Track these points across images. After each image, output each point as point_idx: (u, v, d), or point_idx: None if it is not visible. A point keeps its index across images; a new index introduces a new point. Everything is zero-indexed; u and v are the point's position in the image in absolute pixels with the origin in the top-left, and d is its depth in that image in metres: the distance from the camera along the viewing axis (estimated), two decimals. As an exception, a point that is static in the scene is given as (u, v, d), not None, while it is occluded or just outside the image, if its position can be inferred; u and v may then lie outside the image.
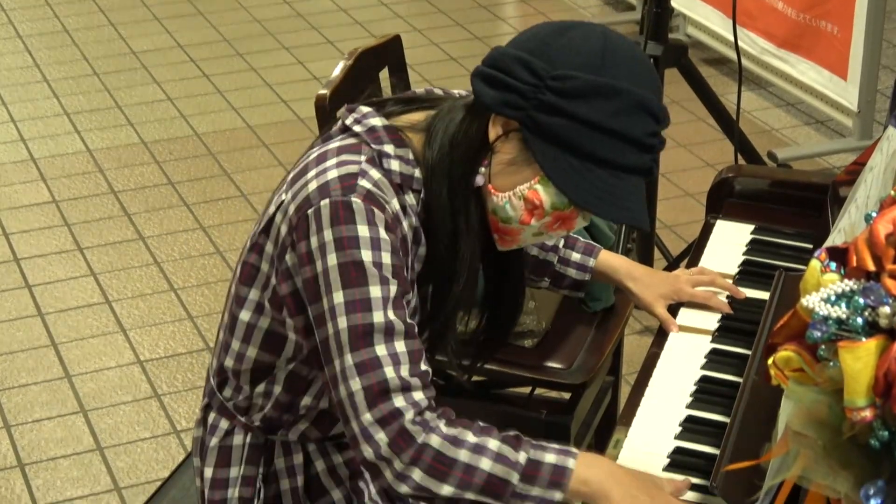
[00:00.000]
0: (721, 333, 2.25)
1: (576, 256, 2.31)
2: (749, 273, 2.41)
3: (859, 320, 1.19)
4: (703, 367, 2.17)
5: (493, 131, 1.85)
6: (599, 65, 1.80)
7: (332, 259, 1.80)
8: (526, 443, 1.82)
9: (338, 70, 2.65)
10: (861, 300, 1.19)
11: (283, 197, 1.90)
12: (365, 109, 1.94)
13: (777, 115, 5.17)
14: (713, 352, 2.20)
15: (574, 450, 1.83)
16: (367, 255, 1.80)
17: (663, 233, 4.19)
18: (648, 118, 1.83)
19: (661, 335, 2.27)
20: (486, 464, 1.79)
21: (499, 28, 5.94)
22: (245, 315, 1.99)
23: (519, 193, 1.86)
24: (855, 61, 4.62)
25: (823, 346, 1.22)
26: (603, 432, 2.88)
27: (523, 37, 1.87)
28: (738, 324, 2.26)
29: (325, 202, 1.82)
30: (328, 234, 1.81)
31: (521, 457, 1.80)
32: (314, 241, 1.82)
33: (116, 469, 3.40)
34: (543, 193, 1.85)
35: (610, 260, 2.34)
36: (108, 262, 4.26)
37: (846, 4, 4.59)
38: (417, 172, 1.89)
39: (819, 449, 1.21)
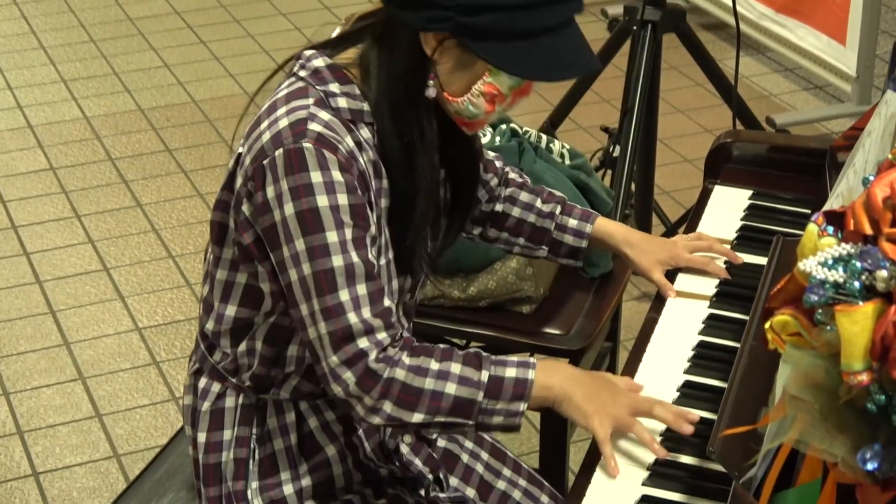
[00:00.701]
0: (719, 299, 2.24)
1: (572, 223, 2.30)
2: (747, 238, 2.40)
3: (856, 284, 1.19)
4: (701, 333, 2.17)
5: (428, 46, 1.86)
6: None
7: (290, 208, 1.84)
8: (486, 360, 1.91)
9: (335, 35, 2.63)
10: (858, 264, 1.19)
11: (241, 150, 1.94)
12: (308, 53, 1.95)
13: (776, 80, 5.16)
14: (711, 317, 2.20)
15: (533, 360, 1.94)
16: (322, 201, 1.83)
17: (661, 199, 4.18)
18: None
19: (658, 301, 2.27)
20: (451, 388, 1.88)
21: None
22: (221, 274, 2.01)
23: (476, 92, 1.90)
24: (853, 26, 4.60)
25: (821, 311, 1.22)
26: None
27: None
28: (736, 289, 2.25)
29: (279, 152, 1.84)
30: (284, 184, 1.84)
31: (484, 375, 1.89)
32: (270, 191, 1.85)
33: (115, 436, 3.41)
34: (498, 82, 1.89)
35: (606, 226, 2.33)
36: (105, 230, 4.26)
37: (845, -31, 4.58)
38: (366, 106, 1.91)
39: (816, 413, 1.21)
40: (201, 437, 2.08)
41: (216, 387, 2.08)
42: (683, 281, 2.30)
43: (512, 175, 2.33)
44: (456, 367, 1.90)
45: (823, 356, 1.22)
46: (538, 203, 2.30)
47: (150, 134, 4.84)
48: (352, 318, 1.85)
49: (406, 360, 1.89)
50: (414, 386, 1.88)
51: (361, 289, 1.86)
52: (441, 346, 1.95)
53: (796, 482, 1.40)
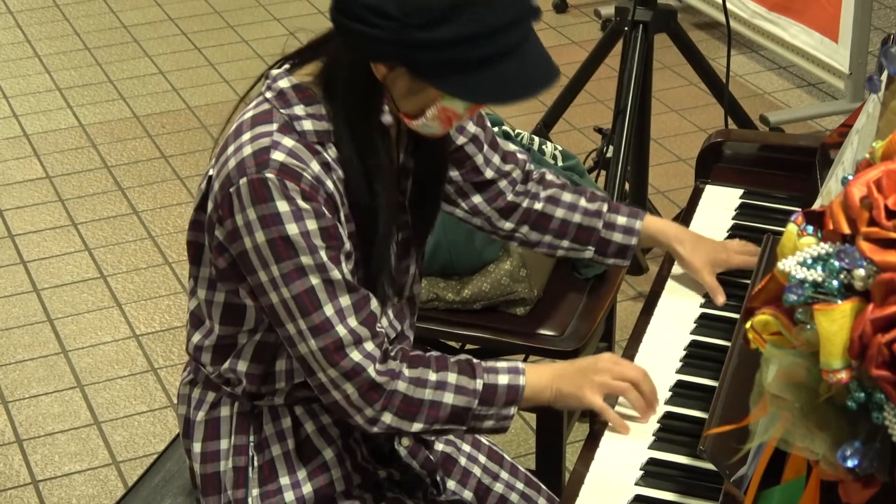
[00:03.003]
0: (710, 298, 2.25)
1: (621, 220, 2.27)
2: (738, 237, 2.41)
3: (835, 283, 1.20)
4: (693, 332, 2.18)
5: (379, 72, 1.84)
6: None
7: (260, 236, 1.84)
8: (479, 367, 1.97)
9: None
10: (836, 263, 1.20)
11: (211, 172, 1.94)
12: (274, 72, 1.95)
13: (769, 78, 5.17)
14: (703, 316, 2.21)
15: (521, 365, 2.00)
16: (291, 229, 1.83)
17: (655, 198, 4.19)
18: None
19: (651, 301, 2.28)
20: (448, 397, 1.95)
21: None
22: (201, 293, 2.02)
23: (430, 115, 1.88)
24: (846, 23, 4.61)
25: (800, 310, 1.23)
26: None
27: None
28: (727, 288, 2.26)
29: (243, 181, 1.84)
30: (251, 213, 1.84)
31: (479, 384, 1.96)
32: (239, 219, 1.86)
33: (114, 443, 3.42)
34: (453, 105, 1.87)
35: (657, 223, 2.31)
36: (102, 237, 4.27)
37: (836, -34, 4.59)
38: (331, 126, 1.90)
39: (797, 411, 1.22)
40: (197, 447, 2.09)
41: (210, 396, 2.08)
42: (676, 280, 2.30)
43: (550, 176, 2.30)
44: (452, 377, 1.95)
45: (804, 355, 1.23)
46: (583, 202, 2.27)
47: (146, 141, 4.85)
48: (340, 330, 1.87)
49: (406, 372, 1.93)
50: (415, 397, 1.93)
51: (345, 300, 1.88)
52: (434, 353, 1.99)
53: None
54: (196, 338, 2.06)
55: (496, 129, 2.82)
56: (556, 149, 2.92)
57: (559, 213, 2.27)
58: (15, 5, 5.98)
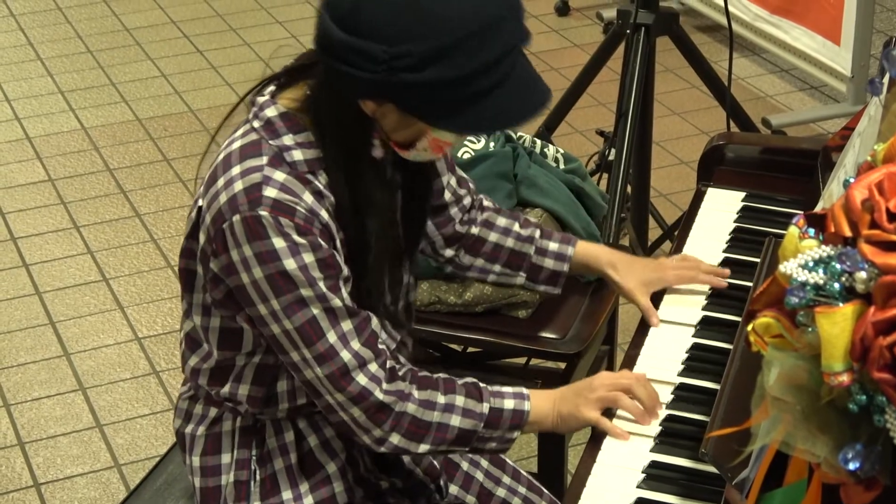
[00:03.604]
0: (712, 301, 2.25)
1: (553, 246, 2.26)
2: (740, 240, 2.41)
3: (836, 285, 1.20)
4: (695, 335, 2.17)
5: (367, 108, 1.83)
6: (428, 23, 1.73)
7: (258, 272, 1.83)
8: (486, 391, 1.99)
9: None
10: (838, 265, 1.20)
11: (201, 203, 1.91)
12: (261, 100, 1.91)
13: (771, 81, 5.17)
14: (704, 319, 2.21)
15: (526, 391, 2.01)
16: (289, 264, 1.83)
17: (658, 201, 4.19)
18: (495, 32, 1.77)
19: (653, 304, 2.27)
20: (455, 420, 1.96)
21: None
22: (197, 319, 2.01)
23: (422, 146, 1.87)
24: (848, 26, 4.61)
25: (802, 312, 1.23)
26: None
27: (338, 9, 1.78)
28: (729, 291, 2.26)
29: (236, 217, 1.83)
30: (247, 250, 1.83)
31: (485, 407, 1.97)
32: (235, 255, 1.84)
33: (116, 446, 3.42)
34: (443, 136, 1.86)
35: (588, 248, 2.29)
36: (104, 240, 4.27)
37: (838, -31, 4.59)
38: (321, 152, 1.88)
39: (798, 414, 1.22)
40: (196, 461, 2.08)
41: (213, 411, 2.07)
42: (669, 304, 2.29)
43: (487, 202, 2.29)
44: (460, 400, 1.97)
45: (805, 357, 1.23)
46: (516, 227, 2.26)
47: (148, 144, 4.86)
48: (344, 356, 1.88)
49: (416, 394, 1.94)
50: (423, 420, 1.94)
51: (346, 325, 1.88)
52: (442, 375, 2.00)
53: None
54: (193, 361, 2.04)
55: (497, 132, 2.82)
56: (557, 152, 2.92)
57: (493, 237, 2.26)
58: (17, 8, 5.99)
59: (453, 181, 2.22)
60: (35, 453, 3.40)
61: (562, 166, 2.89)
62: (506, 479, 2.25)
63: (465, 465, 2.23)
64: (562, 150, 2.93)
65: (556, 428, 2.03)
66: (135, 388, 3.61)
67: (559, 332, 2.64)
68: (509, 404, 1.99)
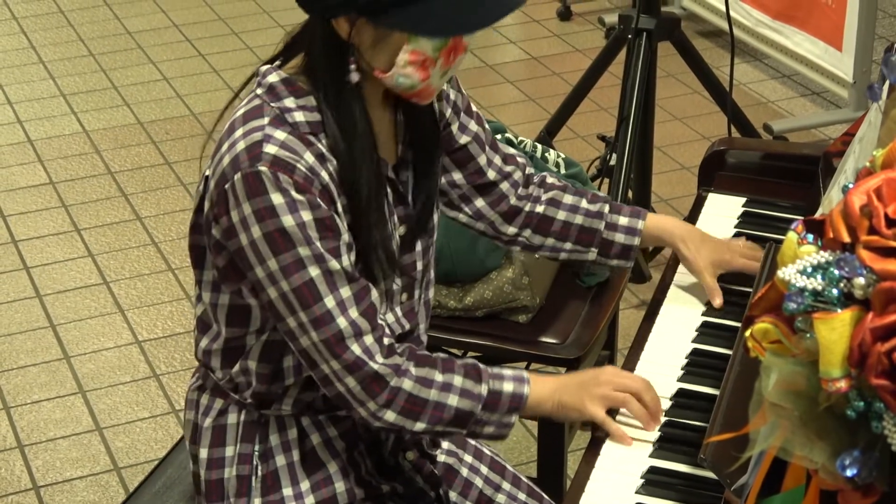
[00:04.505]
0: (712, 306, 2.25)
1: (623, 220, 2.26)
2: (741, 245, 2.41)
3: (834, 291, 1.19)
4: (695, 340, 2.17)
5: (342, 30, 1.85)
6: None
7: (256, 231, 1.85)
8: (485, 373, 1.98)
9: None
10: (836, 271, 1.20)
11: (207, 173, 1.95)
12: (263, 69, 1.96)
13: (773, 86, 5.17)
14: (704, 324, 2.21)
15: (526, 375, 2.01)
16: (287, 221, 1.84)
17: (659, 206, 4.19)
18: None
19: (653, 309, 2.28)
20: (453, 399, 1.95)
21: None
22: (206, 297, 2.02)
23: (402, 62, 1.86)
24: (850, 32, 4.61)
25: (800, 318, 1.23)
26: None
27: None
28: (729, 296, 2.26)
29: (237, 176, 1.85)
30: (246, 208, 1.84)
31: (483, 389, 1.97)
32: (234, 215, 1.86)
33: (115, 449, 3.41)
34: (420, 47, 1.85)
35: (659, 221, 2.30)
36: (105, 243, 4.27)
37: (840, -25, 4.59)
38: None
39: (796, 420, 1.22)
40: (203, 453, 2.09)
41: (218, 403, 2.08)
42: (678, 288, 2.30)
43: (551, 179, 2.29)
44: (458, 380, 1.96)
45: (803, 363, 1.23)
46: (584, 203, 2.26)
47: (150, 147, 4.86)
48: (341, 322, 1.88)
49: (413, 370, 1.94)
50: (420, 397, 1.94)
51: (345, 291, 1.88)
52: (441, 355, 2.00)
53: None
54: (204, 342, 2.05)
55: (498, 136, 2.82)
56: (559, 156, 2.92)
57: (561, 215, 2.26)
58: (20, 11, 5.99)
59: (497, 159, 2.22)
60: (35, 456, 3.40)
61: (563, 171, 2.89)
62: (505, 486, 2.24)
63: (464, 472, 2.22)
64: (563, 155, 2.93)
65: (554, 414, 2.02)
66: (134, 392, 3.61)
67: (559, 336, 2.64)
68: (508, 387, 1.98)
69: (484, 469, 2.24)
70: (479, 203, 2.22)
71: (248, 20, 5.87)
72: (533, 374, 2.02)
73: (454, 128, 2.14)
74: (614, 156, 3.64)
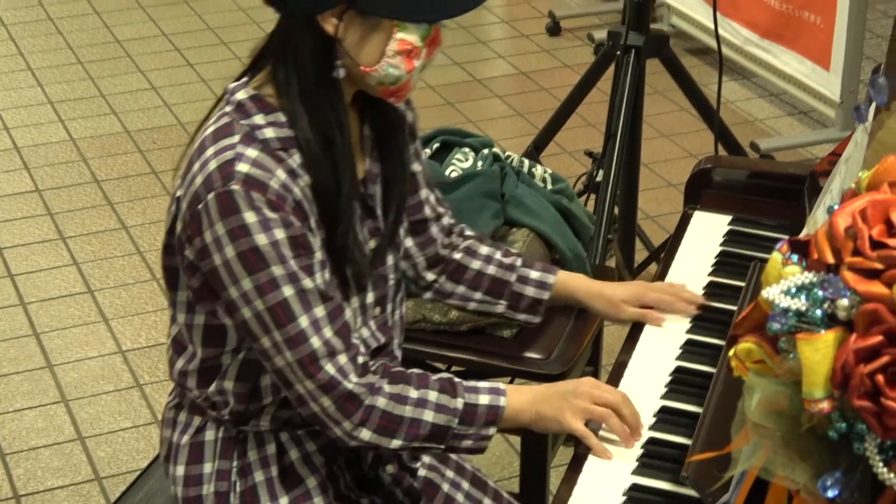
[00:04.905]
0: (696, 324, 2.25)
1: (534, 275, 2.27)
2: (726, 264, 2.41)
3: (818, 312, 1.20)
4: (679, 358, 2.17)
5: (329, 26, 1.85)
6: None
7: (230, 251, 1.84)
8: (460, 386, 1.98)
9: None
10: (820, 292, 1.20)
11: (178, 193, 1.93)
12: (231, 86, 1.95)
13: (760, 105, 5.18)
14: (688, 342, 2.21)
15: (502, 386, 2.01)
16: (261, 239, 1.83)
17: (645, 223, 4.20)
18: None
19: (637, 326, 2.28)
20: (428, 415, 1.95)
21: (484, 17, 5.94)
22: (180, 318, 2.02)
23: (391, 52, 1.87)
24: (838, 52, 4.63)
25: (784, 338, 1.23)
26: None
27: None
28: (714, 314, 2.26)
29: (210, 196, 1.84)
30: (219, 228, 1.84)
31: (459, 403, 1.96)
32: (208, 235, 1.85)
33: (97, 459, 3.40)
34: (409, 35, 1.87)
35: (569, 279, 2.31)
36: (90, 252, 4.26)
37: (829, -5, 4.60)
38: (293, 131, 1.90)
39: (778, 440, 1.22)
40: (180, 471, 2.08)
41: (196, 420, 2.07)
42: (654, 327, 2.29)
43: (468, 231, 2.31)
44: (433, 395, 1.96)
45: (786, 383, 1.23)
46: (498, 255, 2.28)
47: (137, 156, 4.85)
48: (315, 342, 1.88)
49: (387, 388, 1.93)
50: (394, 414, 1.93)
51: (320, 310, 1.88)
52: (415, 371, 2.00)
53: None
54: (180, 363, 2.05)
55: (486, 151, 2.82)
56: (545, 172, 2.92)
57: (475, 264, 2.27)
58: (8, 18, 5.98)
59: (432, 197, 2.23)
60: (16, 465, 3.39)
61: (549, 186, 2.89)
62: (487, 502, 2.24)
63: (445, 487, 2.22)
64: (550, 170, 2.93)
65: (532, 425, 2.02)
66: (117, 401, 3.60)
67: (543, 352, 2.64)
68: (484, 399, 1.98)
69: (465, 484, 2.24)
70: (409, 243, 2.23)
71: (237, 30, 5.87)
72: (510, 385, 2.02)
73: (410, 151, 2.15)
74: (601, 172, 3.64)
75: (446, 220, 2.26)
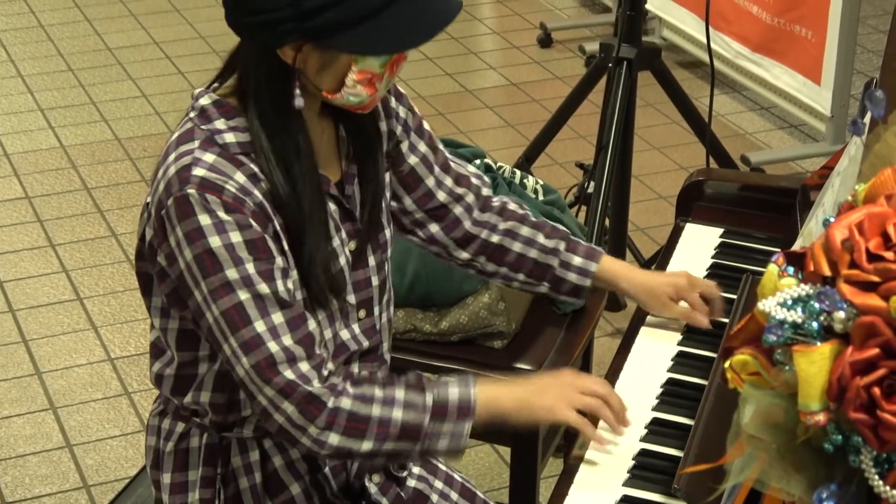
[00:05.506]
0: (688, 336, 2.25)
1: (577, 261, 2.26)
2: (717, 277, 2.41)
3: (814, 325, 1.20)
4: (670, 370, 2.17)
5: (287, 57, 1.85)
6: None
7: (188, 254, 1.84)
8: (427, 382, 1.94)
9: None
10: (816, 305, 1.20)
11: (148, 200, 1.94)
12: (196, 91, 1.96)
13: (751, 118, 5.19)
14: (680, 354, 2.21)
15: (472, 377, 1.96)
16: (214, 241, 1.82)
17: (635, 235, 4.20)
18: None
19: (629, 337, 2.28)
20: (397, 413, 1.89)
21: (476, 28, 5.95)
22: (157, 321, 2.01)
23: (351, 83, 1.87)
24: (829, 66, 4.64)
25: (779, 350, 1.23)
26: (571, 433, 2.88)
27: None
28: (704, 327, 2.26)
29: (170, 201, 1.85)
30: (179, 232, 1.84)
31: (428, 398, 1.91)
32: (171, 240, 1.86)
33: (85, 466, 3.39)
34: (368, 66, 1.86)
35: (612, 266, 2.29)
36: (80, 259, 4.25)
37: (820, 9, 4.61)
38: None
39: (774, 452, 1.22)
40: (166, 479, 2.07)
41: (180, 427, 2.07)
42: (645, 338, 2.28)
43: (512, 206, 2.28)
44: (400, 393, 1.91)
45: (782, 396, 1.23)
46: (540, 238, 2.26)
47: (127, 164, 4.84)
48: (272, 346, 1.84)
49: (350, 389, 1.89)
50: (361, 414, 1.88)
51: (277, 317, 1.85)
52: (379, 374, 1.99)
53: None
54: (157, 367, 2.04)
55: (477, 161, 2.82)
56: (537, 183, 2.92)
57: (516, 247, 2.26)
58: (-1, 25, 5.98)
59: (448, 181, 2.21)
60: (3, 472, 3.37)
61: (541, 197, 2.89)
62: (476, 512, 2.23)
63: (434, 498, 2.21)
64: (541, 182, 2.93)
65: (517, 415, 1.97)
66: (106, 409, 3.59)
67: (534, 363, 2.64)
68: (454, 390, 1.93)
69: (454, 495, 2.23)
70: (433, 228, 2.22)
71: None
72: (482, 376, 2.00)
73: (404, 147, 2.14)
74: (592, 183, 3.64)
75: (471, 198, 2.24)
